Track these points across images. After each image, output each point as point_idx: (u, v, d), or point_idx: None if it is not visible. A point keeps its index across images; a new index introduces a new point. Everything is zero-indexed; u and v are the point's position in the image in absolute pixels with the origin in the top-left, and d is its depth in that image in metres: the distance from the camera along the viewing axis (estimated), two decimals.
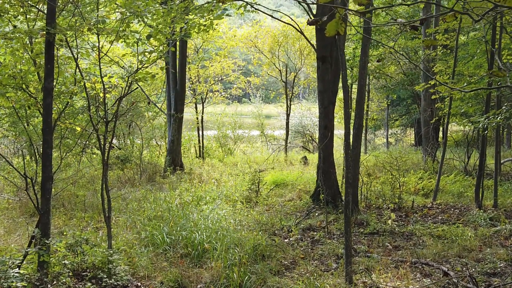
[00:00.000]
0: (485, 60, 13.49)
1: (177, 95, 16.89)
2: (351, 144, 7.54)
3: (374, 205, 11.92)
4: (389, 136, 30.08)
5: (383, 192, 12.32)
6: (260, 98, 31.58)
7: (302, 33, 12.75)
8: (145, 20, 6.12)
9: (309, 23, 3.39)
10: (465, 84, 12.38)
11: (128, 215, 9.95)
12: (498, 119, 8.88)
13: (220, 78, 22.87)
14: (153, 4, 6.00)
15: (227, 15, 6.64)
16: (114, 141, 19.88)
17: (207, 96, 22.55)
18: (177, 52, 16.80)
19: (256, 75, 25.52)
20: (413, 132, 30.56)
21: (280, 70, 23.63)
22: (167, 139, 17.63)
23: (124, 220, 9.72)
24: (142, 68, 6.27)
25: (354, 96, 17.56)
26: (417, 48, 20.24)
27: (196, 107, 22.57)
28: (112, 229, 9.22)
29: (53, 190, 11.79)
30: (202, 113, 22.21)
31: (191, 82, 21.70)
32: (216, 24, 18.33)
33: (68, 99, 7.09)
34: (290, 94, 23.76)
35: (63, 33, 5.72)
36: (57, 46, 6.19)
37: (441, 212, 11.57)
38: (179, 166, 16.63)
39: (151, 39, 6.08)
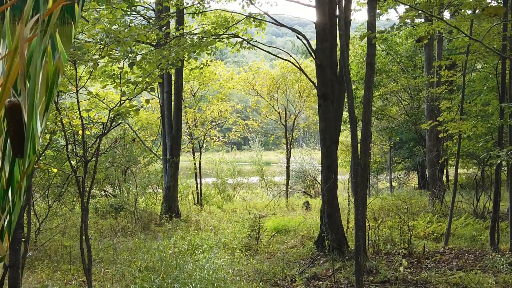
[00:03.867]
0: (493, 97, 12.99)
1: (173, 139, 16.33)
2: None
3: (383, 251, 11.16)
4: (392, 179, 29.41)
5: (391, 237, 11.58)
6: (260, 143, 31.07)
7: (302, 70, 12.26)
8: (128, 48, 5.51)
9: None
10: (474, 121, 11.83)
11: (118, 267, 9.21)
12: None
13: (217, 122, 22.36)
14: (136, 30, 5.42)
15: (219, 40, 6.11)
16: (109, 189, 19.21)
17: (205, 140, 21.97)
18: (173, 95, 16.34)
19: (255, 119, 25.08)
20: (417, 175, 29.88)
21: (279, 113, 23.14)
22: (163, 185, 16.96)
23: (113, 272, 8.98)
24: (127, 100, 5.64)
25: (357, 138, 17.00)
26: (420, 87, 19.81)
27: (193, 153, 21.97)
28: (98, 282, 8.50)
29: (38, 241, 11.17)
30: (200, 159, 21.57)
31: (187, 126, 21.17)
32: (211, 61, 17.84)
33: (47, 139, 6.44)
34: (290, 138, 23.20)
35: None
36: None
37: (455, 257, 10.80)
38: (175, 213, 15.92)
39: (135, 67, 5.50)
